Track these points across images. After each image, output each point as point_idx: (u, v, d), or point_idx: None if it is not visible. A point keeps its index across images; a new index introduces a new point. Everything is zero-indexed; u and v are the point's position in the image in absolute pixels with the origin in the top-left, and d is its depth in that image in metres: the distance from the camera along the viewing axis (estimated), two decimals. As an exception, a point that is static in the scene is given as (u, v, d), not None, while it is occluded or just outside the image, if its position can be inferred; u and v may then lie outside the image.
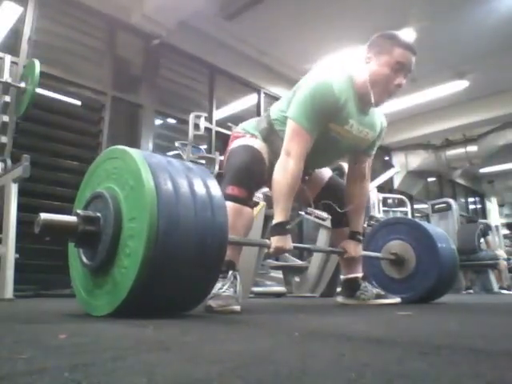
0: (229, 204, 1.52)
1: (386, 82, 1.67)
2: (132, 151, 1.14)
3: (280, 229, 1.57)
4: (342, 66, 1.75)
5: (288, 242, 1.58)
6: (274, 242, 1.56)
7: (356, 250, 1.86)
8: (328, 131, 1.67)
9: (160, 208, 1.02)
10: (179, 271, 1.07)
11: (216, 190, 1.18)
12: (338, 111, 1.63)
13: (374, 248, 2.25)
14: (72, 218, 1.14)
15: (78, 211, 1.15)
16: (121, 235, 1.08)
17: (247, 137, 1.78)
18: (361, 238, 1.90)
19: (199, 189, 1.13)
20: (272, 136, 1.74)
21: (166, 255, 1.03)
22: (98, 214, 1.14)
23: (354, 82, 1.70)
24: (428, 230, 2.16)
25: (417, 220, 2.48)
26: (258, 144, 1.74)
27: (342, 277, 2.03)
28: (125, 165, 1.14)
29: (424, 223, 2.35)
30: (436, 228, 2.35)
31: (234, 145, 1.77)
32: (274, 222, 1.59)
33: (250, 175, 1.60)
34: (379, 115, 1.87)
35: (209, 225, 1.10)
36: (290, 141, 1.61)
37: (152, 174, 1.06)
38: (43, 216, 1.11)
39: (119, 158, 1.18)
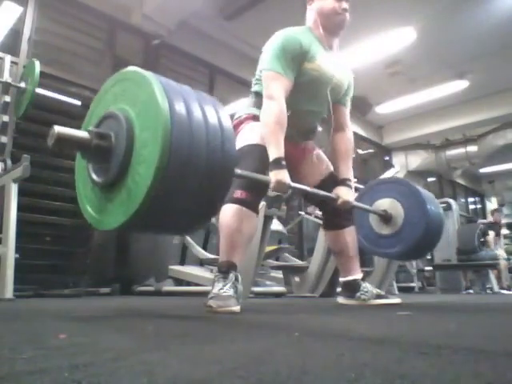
0: (236, 207, 1.55)
1: (331, 9, 1.83)
2: (147, 73, 1.16)
3: (277, 164, 1.59)
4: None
5: (287, 177, 1.60)
6: (274, 175, 1.58)
7: (348, 195, 1.85)
8: (305, 72, 1.76)
9: (173, 133, 1.04)
10: (190, 182, 1.10)
11: (226, 119, 1.21)
12: (305, 51, 1.75)
13: (365, 204, 2.27)
14: (85, 133, 1.17)
15: (91, 128, 1.18)
16: (134, 146, 1.11)
17: (244, 121, 1.81)
18: (351, 184, 1.91)
19: (211, 115, 1.16)
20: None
21: (179, 163, 1.06)
22: (110, 131, 1.16)
23: (310, 27, 1.88)
24: (419, 191, 2.21)
25: (406, 180, 2.51)
26: (259, 133, 1.75)
27: (340, 279, 2.01)
28: (137, 85, 1.16)
29: (416, 185, 2.37)
30: (428, 192, 2.38)
31: (240, 140, 1.75)
32: (271, 159, 1.61)
33: (259, 182, 1.63)
34: (346, 64, 2.00)
35: (218, 151, 1.13)
36: (268, 87, 1.70)
37: (165, 93, 1.08)
38: (57, 129, 1.13)
39: (131, 79, 1.20)
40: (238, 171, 1.40)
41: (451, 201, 5.93)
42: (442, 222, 2.31)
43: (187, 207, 1.14)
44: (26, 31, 3.66)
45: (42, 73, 2.83)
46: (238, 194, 1.59)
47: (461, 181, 10.11)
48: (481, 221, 6.76)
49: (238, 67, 5.38)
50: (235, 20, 4.73)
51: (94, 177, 1.21)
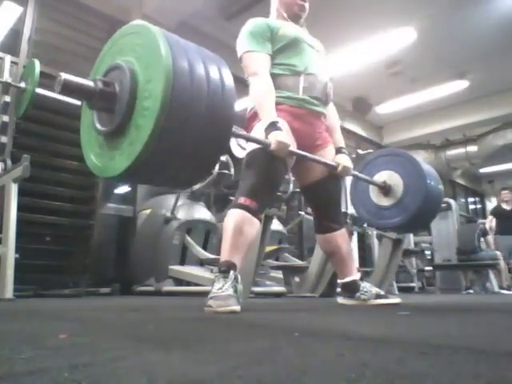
0: (240, 211, 1.57)
1: (290, 1, 1.95)
2: (153, 27, 1.20)
3: (274, 127, 1.62)
4: None
5: (286, 137, 1.62)
6: (273, 137, 1.59)
7: (348, 161, 1.91)
8: (282, 37, 1.82)
9: (175, 85, 1.09)
10: (190, 131, 1.14)
11: (228, 77, 1.24)
12: (272, 27, 1.82)
13: (365, 175, 2.28)
14: (91, 82, 1.22)
15: (97, 77, 1.22)
16: (137, 96, 1.15)
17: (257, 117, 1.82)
18: (346, 152, 1.97)
19: (213, 71, 1.21)
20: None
21: (180, 114, 1.11)
22: (115, 82, 1.21)
23: (275, 16, 1.99)
24: (419, 164, 2.22)
25: (407, 152, 2.50)
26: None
27: (338, 281, 2.00)
28: (143, 38, 1.21)
29: (417, 158, 2.36)
30: (429, 166, 2.38)
31: (251, 143, 1.73)
32: (266, 123, 1.63)
33: (264, 190, 1.65)
34: (319, 43, 2.06)
35: (219, 105, 1.18)
36: (249, 66, 1.78)
37: (169, 47, 1.13)
38: (64, 76, 1.19)
39: (138, 32, 1.25)
40: (237, 130, 1.44)
41: (451, 201, 5.93)
42: (441, 194, 2.33)
43: (188, 156, 1.19)
44: (26, 31, 3.66)
45: (42, 73, 2.83)
46: (243, 200, 1.60)
47: (461, 181, 10.10)
48: (481, 221, 6.75)
49: (238, 67, 5.37)
50: (235, 20, 4.73)
51: (98, 125, 1.26)
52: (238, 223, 1.57)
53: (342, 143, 1.99)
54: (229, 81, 1.24)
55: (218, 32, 4.99)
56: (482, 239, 5.54)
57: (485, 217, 10.36)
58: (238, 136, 1.53)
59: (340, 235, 1.91)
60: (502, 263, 5.25)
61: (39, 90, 2.98)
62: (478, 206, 11.20)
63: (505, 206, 5.97)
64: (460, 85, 6.22)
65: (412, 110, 7.06)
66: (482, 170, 9.76)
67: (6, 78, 2.99)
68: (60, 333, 0.77)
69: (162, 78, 1.08)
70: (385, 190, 2.22)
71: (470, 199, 10.90)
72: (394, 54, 5.41)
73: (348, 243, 1.97)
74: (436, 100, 6.64)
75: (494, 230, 5.84)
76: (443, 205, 6.37)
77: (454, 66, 5.85)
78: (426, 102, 6.72)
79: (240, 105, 6.31)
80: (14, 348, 0.62)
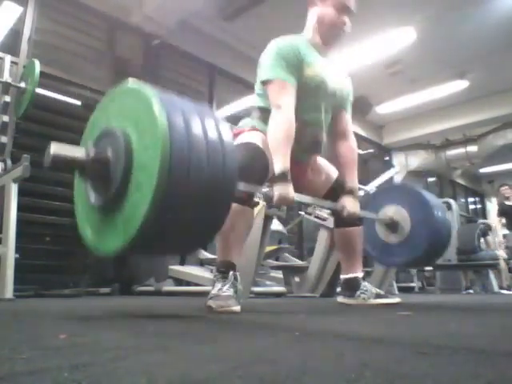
0: None
1: (332, 21, 1.82)
2: (146, 89, 1.12)
3: (282, 177, 1.55)
4: None
5: (291, 191, 1.56)
6: (277, 190, 1.54)
7: (354, 206, 1.83)
8: (306, 80, 1.73)
9: (172, 152, 1.00)
10: (190, 203, 1.06)
11: (227, 132, 1.16)
12: (302, 57, 1.73)
13: (371, 212, 2.24)
14: (82, 154, 1.12)
15: (88, 147, 1.13)
16: (132, 169, 1.06)
17: (246, 130, 1.78)
18: (357, 194, 1.89)
19: (211, 131, 1.12)
20: (268, 116, 1.73)
21: (178, 185, 1.02)
22: (108, 151, 1.12)
23: (306, 35, 1.87)
24: (425, 197, 2.17)
25: (412, 185, 2.48)
26: (259, 137, 1.71)
27: (341, 276, 2.02)
28: (135, 100, 1.12)
29: (422, 190, 2.34)
30: (434, 197, 2.35)
31: (237, 141, 1.75)
32: (276, 171, 1.57)
33: (250, 175, 1.59)
34: (343, 71, 2.00)
35: (219, 167, 1.09)
36: (275, 96, 1.66)
37: (166, 114, 1.04)
38: (53, 148, 1.10)
39: (132, 94, 1.16)
40: (241, 185, 1.36)
41: (451, 201, 5.92)
42: (449, 227, 2.26)
43: (188, 228, 1.10)
44: (26, 31, 3.66)
45: (42, 73, 2.83)
46: None
47: (461, 181, 10.10)
48: (481, 221, 6.75)
49: (237, 67, 5.37)
50: (235, 20, 4.73)
51: (92, 198, 1.17)
52: (229, 220, 1.55)
53: (353, 183, 1.89)
54: (228, 138, 1.14)
55: (218, 32, 4.99)
56: (482, 239, 5.54)
57: (485, 217, 10.37)
58: (242, 191, 1.43)
59: (357, 231, 1.94)
60: (502, 263, 5.25)
61: (39, 90, 2.98)
62: (478, 206, 11.20)
63: (508, 203, 5.97)
64: (460, 85, 6.22)
65: (412, 110, 7.06)
66: (482, 170, 9.75)
67: (6, 78, 2.99)
68: (60, 333, 0.77)
69: (158, 146, 0.99)
70: (392, 226, 2.16)
71: (470, 199, 10.89)
72: (394, 54, 5.41)
73: (361, 241, 1.98)
74: (436, 100, 6.64)
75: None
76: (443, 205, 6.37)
77: (454, 66, 5.84)
78: (426, 102, 6.72)
79: (240, 104, 6.27)
80: (14, 348, 0.62)
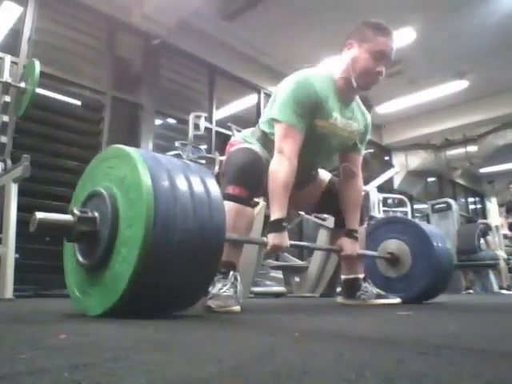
0: (229, 204, 1.52)
1: (367, 68, 1.71)
2: (129, 150, 1.14)
3: (277, 226, 1.57)
4: (321, 67, 1.82)
5: (285, 240, 1.58)
6: (271, 239, 1.56)
7: (352, 248, 1.84)
8: (314, 128, 1.69)
9: (157, 210, 1.01)
10: (178, 262, 1.06)
11: (214, 188, 1.17)
12: (321, 106, 1.67)
13: (370, 246, 2.25)
14: (68, 218, 1.13)
15: (75, 211, 1.14)
16: (117, 236, 1.07)
17: (245, 143, 1.79)
18: (357, 236, 1.88)
19: (197, 187, 1.12)
20: (269, 144, 1.74)
21: (164, 244, 1.02)
22: (95, 214, 1.13)
23: (334, 76, 1.76)
24: (424, 230, 2.16)
25: (413, 219, 2.48)
26: (257, 148, 1.74)
27: (342, 277, 2.02)
28: (122, 164, 1.14)
29: (421, 222, 2.35)
30: (432, 227, 2.35)
31: (232, 149, 1.78)
32: (271, 219, 1.59)
33: (249, 174, 1.60)
34: (362, 109, 1.90)
35: (207, 224, 1.09)
36: (281, 140, 1.63)
37: (150, 174, 1.05)
38: (39, 215, 1.10)
39: (117, 157, 1.18)
40: (230, 235, 1.37)
41: (451, 201, 5.93)
42: (451, 262, 2.25)
43: (177, 288, 1.10)
44: (26, 31, 3.66)
45: (42, 73, 2.83)
46: (231, 189, 1.56)
47: (461, 181, 10.10)
48: (481, 221, 6.75)
49: (237, 67, 5.38)
50: (235, 20, 4.74)
51: (80, 258, 1.17)
52: (229, 220, 1.55)
53: (354, 226, 1.88)
54: (215, 193, 1.15)
55: (218, 32, 4.99)
56: (482, 239, 5.54)
57: (485, 217, 10.37)
58: (232, 241, 1.47)
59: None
60: (502, 263, 5.25)
61: (39, 90, 2.98)
62: (478, 206, 11.20)
63: None
64: (460, 85, 6.22)
65: (412, 110, 7.06)
66: (482, 170, 9.76)
67: (6, 78, 2.98)
68: (60, 333, 0.77)
69: (143, 206, 1.01)
70: (392, 261, 2.16)
71: (470, 199, 10.90)
72: (394, 54, 5.41)
73: (363, 241, 1.99)
74: (436, 100, 6.65)
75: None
76: (443, 205, 6.38)
77: (453, 66, 5.84)
78: (426, 102, 6.72)
79: (239, 104, 6.28)
80: (14, 348, 0.62)
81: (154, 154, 1.20)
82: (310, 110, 1.65)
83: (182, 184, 1.10)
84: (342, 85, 1.75)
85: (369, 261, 2.24)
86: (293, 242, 1.66)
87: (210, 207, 1.12)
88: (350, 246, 1.83)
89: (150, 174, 1.05)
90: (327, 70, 1.79)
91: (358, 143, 1.88)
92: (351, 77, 1.72)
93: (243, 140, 1.82)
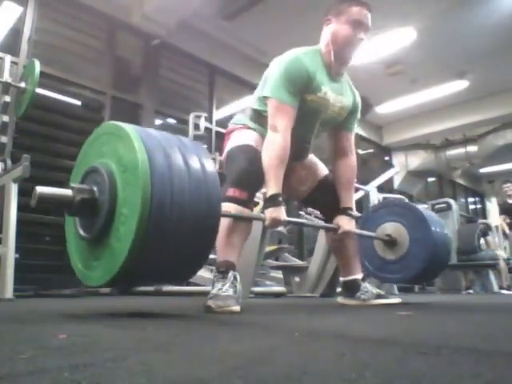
0: (230, 206, 1.53)
1: (347, 38, 1.76)
2: (126, 126, 1.16)
3: (274, 200, 1.60)
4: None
5: (282, 214, 1.60)
6: (269, 213, 1.59)
7: (349, 224, 1.84)
8: (305, 102, 1.72)
9: (154, 182, 1.04)
10: (174, 236, 1.09)
11: (210, 165, 1.19)
12: (310, 81, 1.70)
13: (369, 229, 2.24)
14: (68, 191, 1.16)
15: (74, 185, 1.17)
16: (116, 207, 1.10)
17: (238, 128, 1.80)
18: (353, 213, 1.89)
19: (193, 164, 1.15)
20: (262, 119, 1.77)
21: (161, 219, 1.05)
22: (94, 187, 1.16)
23: (321, 51, 1.81)
24: (422, 213, 2.17)
25: (412, 203, 2.48)
26: (253, 137, 1.75)
27: (340, 279, 2.02)
28: (117, 138, 1.16)
29: (419, 206, 2.35)
30: (431, 213, 2.35)
31: (230, 143, 1.78)
32: (268, 194, 1.61)
33: (250, 177, 1.63)
34: (352, 87, 1.93)
35: (202, 199, 1.12)
36: (273, 117, 1.67)
37: (146, 149, 1.07)
38: (39, 189, 1.14)
39: (114, 133, 1.20)
40: (227, 212, 1.40)
41: (451, 201, 5.92)
42: (449, 243, 2.25)
43: (174, 260, 1.13)
44: (26, 31, 3.66)
45: (42, 73, 2.83)
46: (231, 192, 1.57)
47: (461, 181, 10.10)
48: (481, 221, 6.75)
49: (237, 67, 5.38)
50: (235, 20, 4.73)
51: (81, 231, 1.21)
52: (230, 220, 1.56)
53: (349, 204, 1.89)
54: (210, 169, 1.16)
55: (218, 32, 4.99)
56: (482, 239, 5.54)
57: (485, 217, 10.36)
58: (228, 216, 1.50)
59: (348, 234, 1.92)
60: (501, 263, 5.25)
61: (39, 90, 2.98)
62: (478, 206, 11.20)
63: (510, 201, 5.96)
64: (460, 85, 6.22)
65: (412, 110, 7.06)
66: (482, 170, 9.75)
67: (6, 78, 2.98)
68: (60, 333, 0.77)
69: (139, 182, 1.03)
70: (390, 243, 2.16)
71: (470, 199, 10.90)
72: (394, 54, 5.41)
73: (355, 242, 1.98)
74: (436, 100, 6.64)
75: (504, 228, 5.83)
76: (443, 205, 6.38)
77: (454, 66, 5.84)
78: (426, 102, 6.72)
79: (240, 104, 6.28)
80: (14, 348, 0.62)
81: (150, 130, 1.21)
82: (300, 86, 1.69)
83: (177, 158, 1.12)
84: (328, 60, 1.79)
85: (367, 243, 2.25)
86: (290, 219, 1.67)
87: (206, 180, 1.14)
88: (347, 223, 1.83)
89: (145, 149, 1.07)
90: (315, 47, 1.84)
91: (349, 120, 1.91)
92: (333, 51, 1.77)
93: (235, 124, 1.84)
